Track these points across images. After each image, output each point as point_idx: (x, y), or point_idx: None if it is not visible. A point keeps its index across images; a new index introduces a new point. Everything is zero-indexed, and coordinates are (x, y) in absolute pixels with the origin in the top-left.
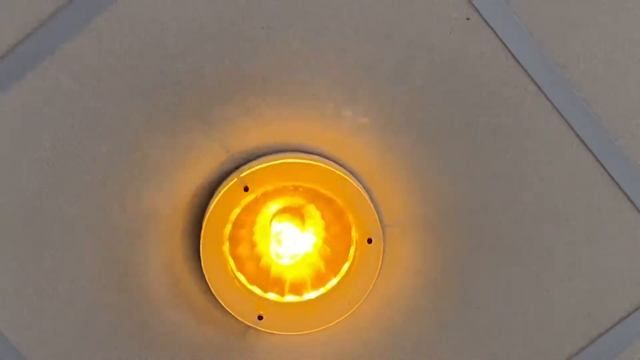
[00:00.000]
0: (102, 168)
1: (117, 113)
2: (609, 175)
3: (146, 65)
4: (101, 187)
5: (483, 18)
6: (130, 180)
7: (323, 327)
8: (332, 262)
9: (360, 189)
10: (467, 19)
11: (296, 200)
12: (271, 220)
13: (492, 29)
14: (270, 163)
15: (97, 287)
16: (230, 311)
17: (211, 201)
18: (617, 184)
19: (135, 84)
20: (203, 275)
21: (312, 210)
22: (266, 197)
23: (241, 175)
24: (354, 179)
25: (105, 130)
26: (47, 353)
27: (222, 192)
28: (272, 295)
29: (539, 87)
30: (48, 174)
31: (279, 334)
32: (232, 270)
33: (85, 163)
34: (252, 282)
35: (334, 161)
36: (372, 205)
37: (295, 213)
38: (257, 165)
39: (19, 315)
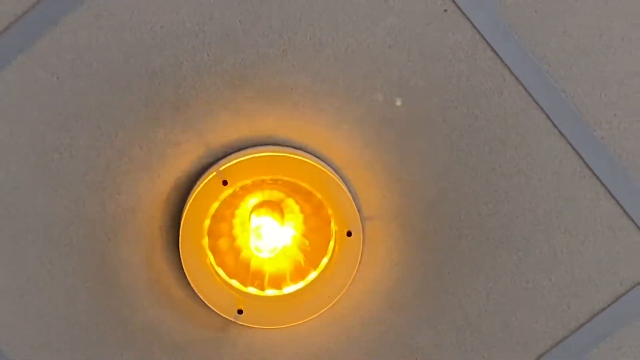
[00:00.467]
0: (80, 163)
1: (95, 108)
2: (588, 166)
3: (123, 60)
4: (79, 182)
5: (460, 9)
6: (108, 175)
7: (303, 321)
8: (311, 256)
9: (339, 182)
10: (445, 10)
11: (275, 194)
12: (250, 214)
13: (469, 20)
14: (248, 156)
15: (75, 282)
16: (210, 305)
17: (190, 195)
18: (596, 175)
19: (113, 79)
20: (182, 270)
21: (291, 203)
22: (245, 190)
23: (220, 169)
24: (333, 172)
25: (83, 125)
26: (25, 349)
27: (201, 186)
28: (251, 289)
29: (517, 78)
30: (25, 169)
31: (259, 328)
32: (211, 264)
33: (63, 158)
34: (231, 276)
35: (313, 154)
36: (351, 198)
37: (274, 206)
38: (236, 159)
39: None
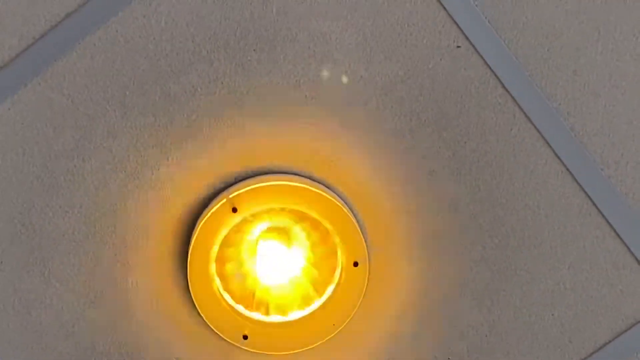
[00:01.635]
0: (91, 185)
1: (108, 131)
2: (594, 204)
3: (138, 85)
4: (90, 204)
5: (473, 46)
6: (119, 198)
7: (307, 348)
8: (317, 283)
9: (347, 213)
10: (458, 46)
11: (283, 221)
12: (258, 240)
13: (481, 57)
14: (259, 185)
15: (83, 303)
16: (216, 330)
17: (199, 221)
18: (601, 213)
19: (127, 103)
20: (189, 294)
21: (298, 231)
22: (254, 217)
23: (230, 197)
24: (341, 202)
25: (95, 148)
26: None
27: (211, 212)
28: (257, 315)
29: (527, 116)
30: (38, 189)
31: (263, 353)
32: (218, 290)
33: (76, 179)
34: (237, 301)
35: (322, 184)
36: (359, 229)
37: (282, 233)
38: (246, 186)
39: (5, 332)
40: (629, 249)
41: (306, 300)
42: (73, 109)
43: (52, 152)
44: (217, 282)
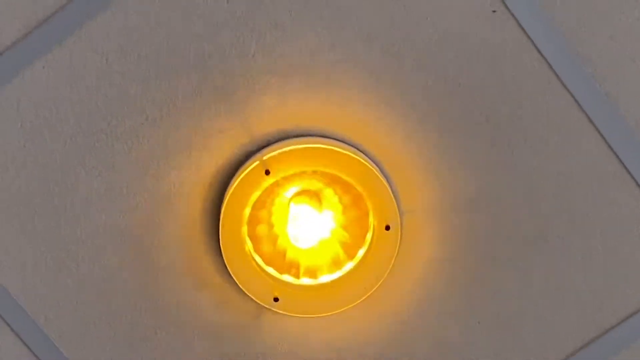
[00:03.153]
0: (124, 145)
1: (142, 92)
2: (627, 170)
3: (172, 46)
4: (123, 164)
5: (509, 10)
6: (152, 158)
7: (338, 311)
8: (348, 247)
9: (380, 176)
10: (494, 11)
11: (315, 184)
12: (289, 202)
13: (517, 21)
14: (292, 147)
15: (114, 263)
16: (246, 292)
17: (232, 183)
18: (635, 179)
19: (161, 64)
20: (221, 255)
21: (330, 194)
22: (286, 180)
23: (264, 159)
24: (374, 165)
25: (129, 108)
26: (64, 326)
27: (244, 174)
28: (287, 278)
29: (561, 81)
30: (71, 149)
31: (294, 316)
32: (249, 251)
33: (109, 139)
34: (268, 264)
35: (356, 147)
36: (391, 193)
37: (314, 196)
38: (280, 149)
39: (37, 288)
40: None
41: (337, 264)
42: (107, 68)
43: (86, 111)
44: (249, 243)
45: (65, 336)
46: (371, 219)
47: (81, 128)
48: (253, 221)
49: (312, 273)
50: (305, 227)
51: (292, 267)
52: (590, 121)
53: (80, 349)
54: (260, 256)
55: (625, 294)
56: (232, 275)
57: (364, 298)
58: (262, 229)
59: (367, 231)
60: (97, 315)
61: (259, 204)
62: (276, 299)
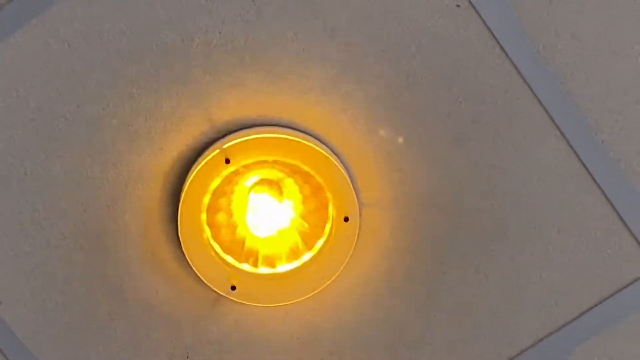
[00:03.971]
0: (85, 130)
1: (103, 77)
2: (586, 169)
3: (135, 32)
4: (83, 149)
5: (473, 6)
6: (112, 144)
7: (295, 301)
8: (307, 237)
9: (340, 168)
10: (457, 5)
11: (275, 173)
12: (249, 191)
13: (480, 17)
14: (253, 136)
15: (72, 248)
16: (204, 280)
17: (192, 170)
18: (593, 178)
19: (123, 50)
20: (179, 243)
21: (290, 184)
22: (246, 169)
23: (224, 147)
24: (335, 157)
25: (90, 93)
26: (19, 311)
27: (204, 162)
28: (246, 266)
29: (523, 78)
30: (30, 133)
31: (251, 305)
32: (208, 239)
33: (69, 124)
34: (226, 252)
35: (317, 138)
36: (350, 185)
37: (274, 185)
38: (240, 137)
39: None
40: (618, 214)
41: (295, 254)
42: (69, 54)
43: (47, 96)
44: (207, 231)
45: (20, 321)
46: (330, 210)
47: (41, 113)
48: (212, 209)
49: (270, 262)
50: (265, 216)
51: (251, 256)
52: (551, 119)
53: (36, 334)
54: (219, 244)
55: (581, 291)
56: (190, 262)
57: (321, 288)
58: (221, 217)
59: (326, 222)
60: (52, 300)
61: (219, 192)
62: (233, 288)
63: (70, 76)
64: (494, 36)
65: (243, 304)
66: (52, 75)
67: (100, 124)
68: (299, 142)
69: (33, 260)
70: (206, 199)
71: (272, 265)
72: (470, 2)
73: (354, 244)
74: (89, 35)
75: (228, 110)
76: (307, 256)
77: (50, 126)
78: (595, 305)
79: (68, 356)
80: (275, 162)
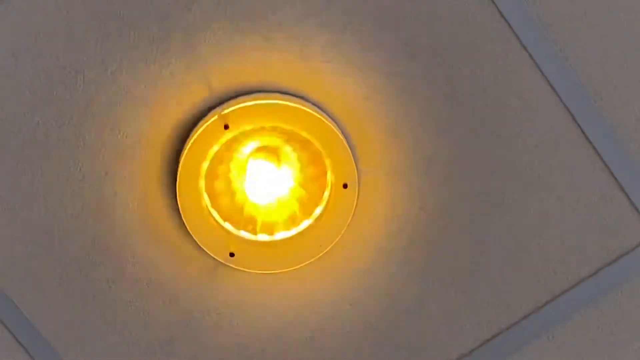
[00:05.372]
0: (83, 96)
1: (102, 43)
2: (585, 135)
3: None
4: (82, 115)
5: None
6: (110, 110)
7: (294, 267)
8: (306, 204)
9: (338, 134)
10: None
11: (274, 140)
12: (248, 158)
13: None
14: (252, 102)
15: (70, 215)
16: (202, 246)
17: (190, 136)
18: (592, 144)
19: (122, 15)
20: (177, 210)
21: (289, 151)
22: (245, 135)
23: (222, 113)
24: (333, 123)
25: (89, 59)
26: (17, 278)
27: (202, 128)
28: (244, 233)
29: (522, 44)
30: (28, 98)
31: (250, 272)
32: (206, 206)
33: (68, 89)
34: (225, 219)
35: (315, 105)
36: (349, 150)
37: (272, 152)
38: (239, 104)
39: None
40: (617, 180)
41: (294, 221)
42: (67, 20)
43: (45, 62)
44: (206, 198)
45: (16, 287)
46: (329, 177)
47: (40, 79)
48: (211, 176)
49: (269, 229)
50: (263, 183)
51: (249, 223)
52: (550, 84)
53: (33, 300)
54: (218, 211)
55: (578, 260)
56: (189, 229)
57: (319, 255)
58: (220, 184)
59: (324, 189)
60: (51, 268)
61: (218, 159)
62: (232, 255)
63: (69, 43)
64: (492, 1)
65: (242, 270)
66: (50, 41)
67: (98, 91)
68: (298, 108)
69: (30, 227)
70: (205, 166)
71: (271, 233)
72: None
73: (352, 211)
74: (87, 1)
75: (227, 77)
76: (305, 223)
77: (48, 92)
78: (594, 274)
79: (67, 324)
80: (274, 128)
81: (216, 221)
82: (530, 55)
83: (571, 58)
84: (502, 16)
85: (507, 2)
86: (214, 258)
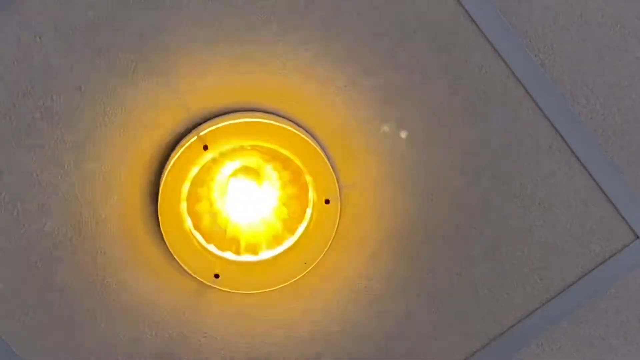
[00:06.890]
0: (60, 123)
1: (77, 69)
2: (564, 140)
3: (107, 22)
4: (59, 143)
5: None
6: (88, 136)
7: (278, 286)
8: (288, 222)
9: (318, 150)
10: None
11: (254, 160)
12: (229, 178)
13: None
14: (230, 122)
15: (53, 243)
16: (187, 269)
17: (170, 159)
18: (571, 149)
19: (96, 41)
20: (160, 233)
21: (269, 170)
22: (225, 156)
23: (201, 134)
24: (312, 139)
25: (64, 85)
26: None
27: (182, 150)
28: (228, 254)
29: (498, 52)
30: (5, 128)
31: (235, 293)
32: (189, 229)
33: (44, 118)
34: (208, 241)
35: (294, 122)
36: (330, 167)
37: (253, 172)
38: (217, 124)
39: None
40: (598, 185)
41: (277, 239)
42: (40, 46)
43: (20, 90)
44: (188, 221)
45: (2, 319)
46: (311, 194)
47: (15, 107)
48: (192, 198)
49: (252, 249)
50: (245, 203)
51: (233, 244)
52: (527, 92)
53: (18, 331)
54: (201, 233)
55: (563, 265)
56: (172, 253)
57: (304, 273)
58: (202, 206)
59: (307, 206)
60: (34, 297)
61: (198, 181)
62: (217, 276)
63: (43, 69)
64: (466, 11)
65: (227, 291)
66: (24, 68)
67: (75, 117)
68: (277, 125)
69: (11, 257)
70: (185, 188)
71: (255, 252)
72: None
73: (335, 226)
74: (60, 28)
75: (204, 97)
76: (289, 241)
77: (24, 120)
78: (579, 279)
79: (51, 350)
80: (253, 147)
81: (199, 243)
82: (505, 62)
83: (547, 64)
84: (477, 25)
85: (482, 11)
86: (199, 280)
